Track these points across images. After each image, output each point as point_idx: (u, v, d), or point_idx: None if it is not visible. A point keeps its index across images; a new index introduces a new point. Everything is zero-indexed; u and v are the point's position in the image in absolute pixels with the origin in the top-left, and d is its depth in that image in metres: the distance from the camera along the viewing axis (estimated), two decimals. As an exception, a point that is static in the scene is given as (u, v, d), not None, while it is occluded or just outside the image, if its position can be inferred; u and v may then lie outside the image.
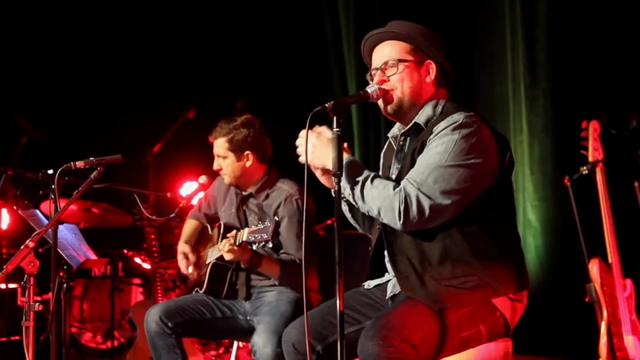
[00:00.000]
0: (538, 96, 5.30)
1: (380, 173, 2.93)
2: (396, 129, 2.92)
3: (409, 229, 2.66)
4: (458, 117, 2.67)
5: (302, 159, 2.72)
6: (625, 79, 4.96)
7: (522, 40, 5.34)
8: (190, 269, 4.07)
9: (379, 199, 2.64)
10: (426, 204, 2.58)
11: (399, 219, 2.60)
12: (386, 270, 2.87)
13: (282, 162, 4.11)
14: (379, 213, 2.65)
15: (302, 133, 2.70)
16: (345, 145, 2.76)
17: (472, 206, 2.65)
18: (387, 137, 2.98)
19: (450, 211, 2.61)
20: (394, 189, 2.63)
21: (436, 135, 2.66)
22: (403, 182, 2.64)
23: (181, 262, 4.12)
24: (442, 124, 2.67)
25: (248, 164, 3.97)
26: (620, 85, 4.97)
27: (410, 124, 2.80)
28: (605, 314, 4.27)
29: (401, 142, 2.87)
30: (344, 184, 2.68)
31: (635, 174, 4.49)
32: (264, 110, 4.77)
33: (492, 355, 2.70)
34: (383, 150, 3.02)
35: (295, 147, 2.76)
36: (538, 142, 5.31)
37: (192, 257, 4.08)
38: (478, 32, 5.73)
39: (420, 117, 2.77)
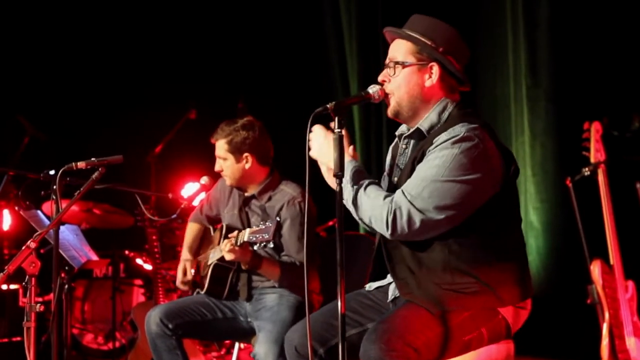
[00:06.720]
0: (540, 97, 5.29)
1: (386, 172, 2.91)
2: (404, 127, 2.87)
3: (399, 239, 2.64)
4: (460, 129, 2.59)
5: (312, 154, 2.71)
6: (627, 80, 4.95)
7: (523, 41, 5.34)
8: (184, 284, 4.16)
9: (370, 208, 2.61)
10: (417, 218, 2.54)
11: (387, 229, 2.57)
12: (388, 272, 2.84)
13: (284, 163, 4.10)
14: (370, 221, 2.63)
15: (315, 129, 2.70)
16: (352, 149, 2.73)
17: (472, 217, 2.60)
18: (394, 136, 2.93)
19: (444, 225, 2.57)
20: (385, 198, 2.59)
21: (436, 147, 2.59)
22: (397, 193, 2.59)
23: (179, 274, 4.16)
24: (444, 136, 2.60)
25: (247, 165, 3.96)
26: (622, 87, 4.96)
27: (413, 129, 2.76)
28: (607, 315, 4.26)
29: (404, 145, 2.83)
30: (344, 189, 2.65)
31: (637, 175, 4.48)
32: (265, 111, 4.76)
33: (493, 357, 2.70)
34: (391, 147, 2.97)
35: (300, 147, 2.75)
36: (539, 144, 5.30)
37: (189, 276, 4.14)
38: (479, 33, 5.72)
39: (424, 124, 2.72)
